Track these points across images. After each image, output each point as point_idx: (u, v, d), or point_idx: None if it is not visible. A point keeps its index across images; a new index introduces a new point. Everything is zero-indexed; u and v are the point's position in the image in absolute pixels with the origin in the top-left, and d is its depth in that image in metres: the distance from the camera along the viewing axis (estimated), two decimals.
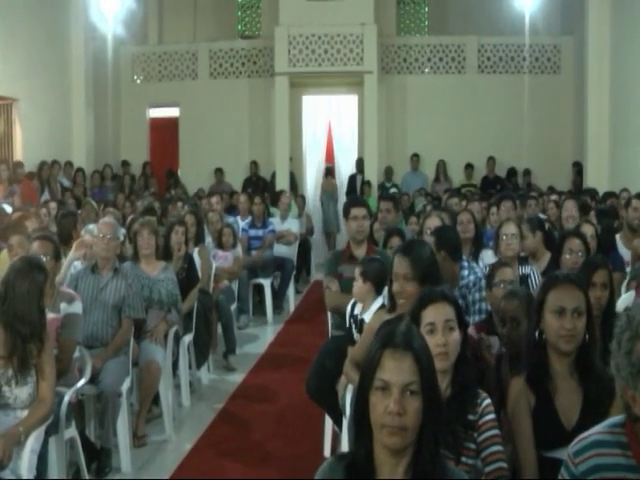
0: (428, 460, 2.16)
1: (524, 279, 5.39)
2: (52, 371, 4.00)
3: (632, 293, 4.68)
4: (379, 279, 4.73)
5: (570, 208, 7.23)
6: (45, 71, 13.28)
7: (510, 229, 5.75)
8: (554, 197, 10.10)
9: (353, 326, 4.90)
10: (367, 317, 4.69)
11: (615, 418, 2.29)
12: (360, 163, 15.31)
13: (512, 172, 15.12)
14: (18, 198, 10.51)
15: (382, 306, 4.64)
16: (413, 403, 2.14)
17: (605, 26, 13.16)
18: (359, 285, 4.80)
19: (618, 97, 13.00)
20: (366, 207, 6.01)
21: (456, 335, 2.99)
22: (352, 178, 15.36)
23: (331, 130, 16.16)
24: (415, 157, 15.43)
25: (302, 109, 15.85)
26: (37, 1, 12.94)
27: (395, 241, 6.34)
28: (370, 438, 2.19)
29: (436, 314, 3.01)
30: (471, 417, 2.94)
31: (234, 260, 9.03)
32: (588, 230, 5.92)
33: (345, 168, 16.05)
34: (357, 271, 4.82)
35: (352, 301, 5.04)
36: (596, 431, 2.29)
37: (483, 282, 4.96)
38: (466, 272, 5.05)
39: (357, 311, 4.90)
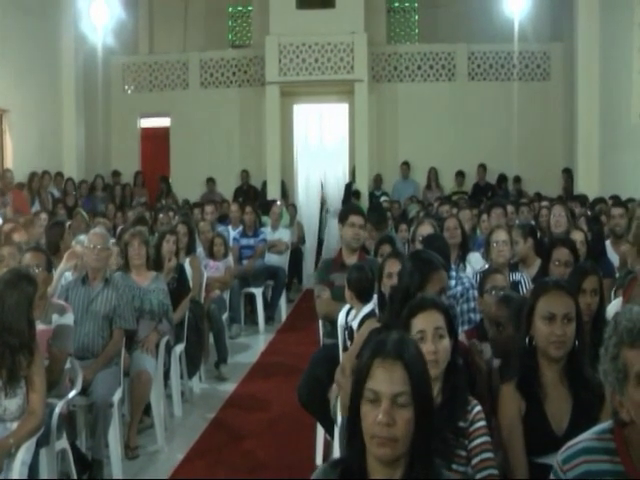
0: (422, 470, 2.13)
1: (515, 286, 5.40)
2: (42, 383, 3.99)
3: (620, 299, 4.70)
4: (359, 287, 4.86)
5: (558, 214, 7.24)
6: (35, 82, 13.28)
7: (501, 236, 5.77)
8: (545, 203, 10.13)
9: (346, 333, 4.92)
10: (355, 324, 4.72)
11: (603, 424, 2.30)
12: (354, 172, 15.33)
13: (502, 179, 15.17)
14: (10, 209, 10.49)
15: (372, 313, 4.66)
16: (404, 414, 2.10)
17: (594, 32, 13.21)
18: (346, 291, 4.93)
19: (608, 103, 13.05)
20: (364, 216, 6.03)
21: (446, 343, 2.99)
22: (348, 186, 15.39)
23: None
24: (405, 165, 15.45)
25: (293, 118, 15.86)
26: (27, 12, 12.92)
27: (385, 249, 6.35)
28: (363, 448, 2.15)
29: (426, 322, 3.00)
30: (462, 424, 2.94)
31: (225, 270, 9.02)
32: (578, 237, 5.94)
33: (336, 176, 16.08)
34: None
35: (346, 308, 5.07)
36: (584, 438, 2.30)
37: (471, 293, 4.96)
38: (453, 282, 5.03)
39: (350, 318, 4.93)
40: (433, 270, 3.78)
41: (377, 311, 4.62)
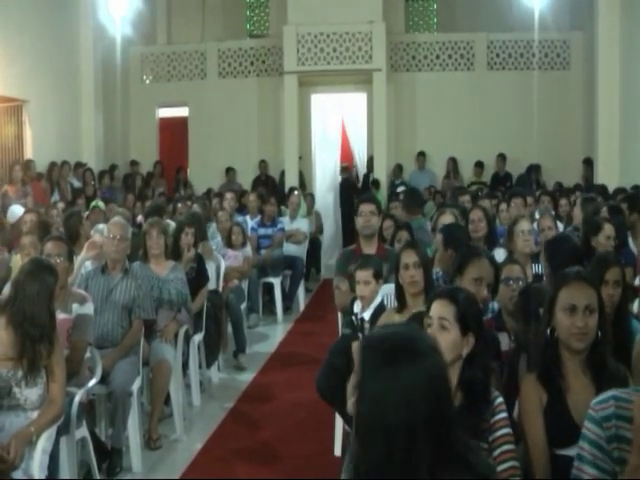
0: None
1: (537, 278, 5.35)
2: (62, 372, 4.01)
3: None
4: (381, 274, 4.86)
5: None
6: (54, 72, 13.31)
7: (525, 225, 5.72)
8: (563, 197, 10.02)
9: (357, 323, 4.90)
10: (366, 316, 4.70)
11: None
12: (371, 161, 15.31)
13: (530, 169, 14.88)
14: (31, 199, 10.55)
15: (382, 305, 4.64)
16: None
17: (615, 21, 13.05)
18: (372, 287, 4.80)
19: (628, 92, 12.92)
20: (374, 203, 6.01)
21: (448, 336, 2.95)
22: (366, 176, 15.37)
23: (345, 129, 16.22)
24: (421, 156, 15.36)
25: (311, 107, 15.79)
26: (46, 3, 12.97)
27: (403, 235, 6.34)
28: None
29: (434, 310, 3.04)
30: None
31: (244, 259, 9.01)
32: (609, 231, 5.80)
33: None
34: (368, 273, 4.78)
35: (351, 299, 5.05)
36: (616, 390, 2.53)
37: None
38: None
39: (357, 309, 4.89)
40: (473, 256, 3.93)
41: (391, 302, 4.62)
